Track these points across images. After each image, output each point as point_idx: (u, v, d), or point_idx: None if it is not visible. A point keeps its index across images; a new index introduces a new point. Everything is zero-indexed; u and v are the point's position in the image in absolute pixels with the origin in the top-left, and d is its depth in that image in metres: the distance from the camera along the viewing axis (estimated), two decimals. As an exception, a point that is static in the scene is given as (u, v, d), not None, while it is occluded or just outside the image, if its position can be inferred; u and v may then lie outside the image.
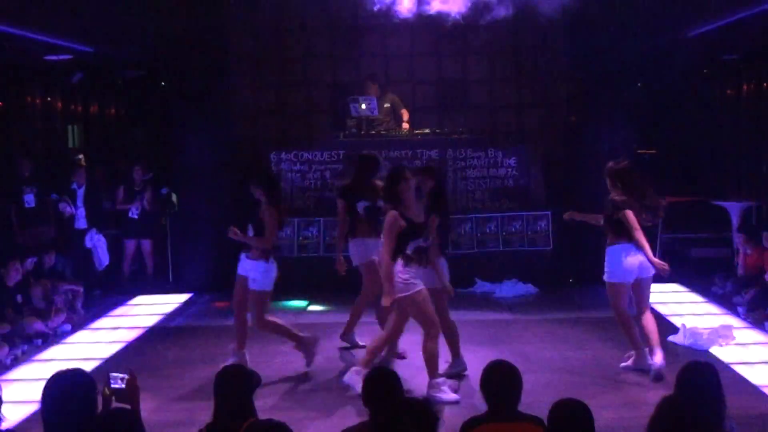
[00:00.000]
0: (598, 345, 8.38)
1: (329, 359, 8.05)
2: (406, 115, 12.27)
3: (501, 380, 4.09)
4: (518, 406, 4.11)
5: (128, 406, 3.91)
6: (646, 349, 7.33)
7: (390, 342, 7.31)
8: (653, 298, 9.92)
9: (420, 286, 6.70)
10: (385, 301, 6.65)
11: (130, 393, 3.93)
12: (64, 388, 3.58)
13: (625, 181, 7.37)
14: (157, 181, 12.08)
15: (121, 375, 3.96)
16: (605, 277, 7.44)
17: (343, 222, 8.25)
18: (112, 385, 3.90)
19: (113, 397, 3.90)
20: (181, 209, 12.02)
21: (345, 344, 8.40)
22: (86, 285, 10.77)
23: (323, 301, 10.62)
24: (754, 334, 8.80)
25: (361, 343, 8.24)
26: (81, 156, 13.08)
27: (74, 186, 11.52)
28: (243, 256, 7.66)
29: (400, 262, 6.62)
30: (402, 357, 7.97)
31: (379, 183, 7.89)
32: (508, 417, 4.01)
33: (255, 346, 8.49)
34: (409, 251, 6.64)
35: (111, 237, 11.79)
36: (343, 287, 10.59)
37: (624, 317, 7.42)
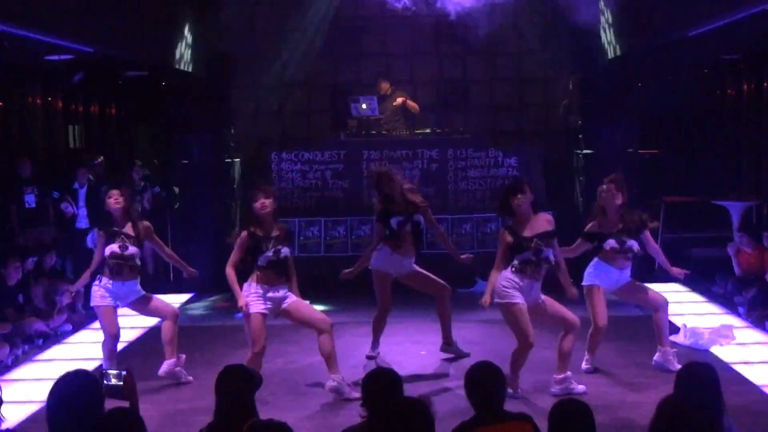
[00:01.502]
0: (599, 345, 8.37)
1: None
2: (413, 105, 12.27)
3: (486, 382, 4.07)
4: (503, 405, 4.10)
5: (126, 405, 3.91)
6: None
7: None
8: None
9: (516, 299, 6.82)
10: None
11: (128, 391, 3.93)
12: (71, 391, 3.57)
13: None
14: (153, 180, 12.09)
15: (116, 372, 3.95)
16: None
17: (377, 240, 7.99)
18: (107, 383, 3.89)
19: (107, 395, 3.89)
20: (181, 209, 12.03)
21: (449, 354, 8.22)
22: (87, 285, 10.76)
23: (324, 301, 10.60)
24: (754, 334, 8.80)
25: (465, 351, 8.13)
26: (101, 158, 13.06)
27: (76, 185, 11.52)
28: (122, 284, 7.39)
29: (509, 268, 6.83)
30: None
31: (412, 197, 7.81)
32: (497, 418, 4.00)
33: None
34: (516, 262, 6.81)
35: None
36: (345, 287, 10.60)
37: None
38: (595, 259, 7.47)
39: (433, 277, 8.01)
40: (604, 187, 7.36)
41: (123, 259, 7.31)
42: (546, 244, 6.82)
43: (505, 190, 7.06)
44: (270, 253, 6.85)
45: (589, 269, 7.48)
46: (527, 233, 6.82)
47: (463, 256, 7.95)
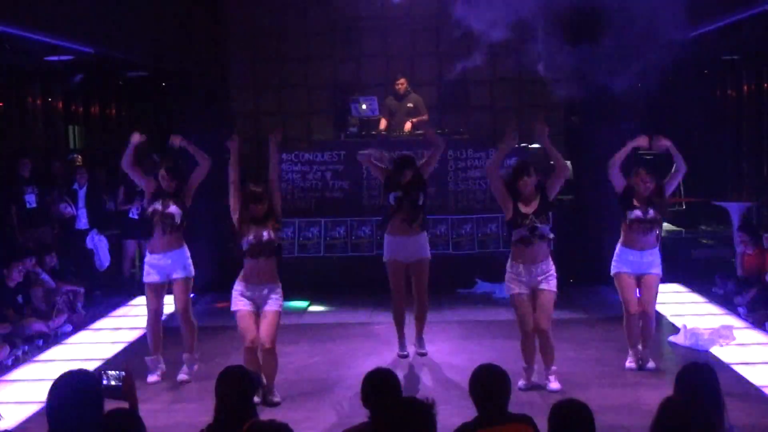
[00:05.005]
0: (599, 345, 8.38)
1: (330, 360, 8.05)
2: (423, 117, 12.22)
3: (489, 385, 4.08)
4: (507, 407, 4.10)
5: (125, 405, 3.91)
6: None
7: None
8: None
9: (515, 289, 7.02)
10: None
11: (127, 391, 3.92)
12: (71, 390, 3.57)
13: None
14: None
15: (116, 373, 3.95)
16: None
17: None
18: (106, 383, 3.88)
19: (106, 395, 3.88)
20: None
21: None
22: (87, 286, 10.78)
23: (324, 301, 10.62)
24: (754, 335, 8.80)
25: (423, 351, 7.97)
26: (77, 156, 13.08)
27: (75, 186, 11.53)
28: (159, 256, 7.45)
29: (509, 258, 7.09)
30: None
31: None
32: (499, 420, 4.01)
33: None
34: (513, 239, 7.00)
35: (112, 237, 11.80)
36: (344, 287, 10.61)
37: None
38: (618, 245, 7.54)
39: (424, 286, 7.88)
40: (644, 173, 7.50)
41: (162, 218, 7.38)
42: (542, 221, 6.96)
43: (512, 172, 7.12)
44: (251, 237, 6.75)
45: (614, 258, 7.57)
46: (526, 209, 6.96)
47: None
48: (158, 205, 7.39)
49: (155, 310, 7.59)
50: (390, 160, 8.03)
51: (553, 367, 7.13)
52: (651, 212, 7.40)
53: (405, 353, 7.96)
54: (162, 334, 7.71)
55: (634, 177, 7.51)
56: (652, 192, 7.43)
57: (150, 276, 7.52)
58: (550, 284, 7.06)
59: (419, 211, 7.73)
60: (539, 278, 7.02)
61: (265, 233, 6.72)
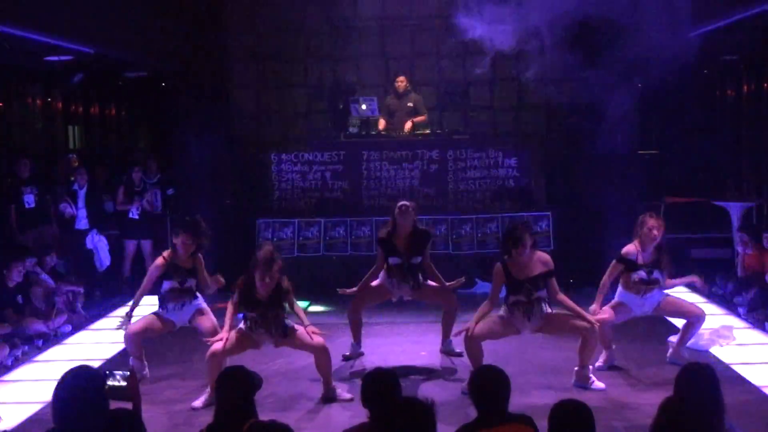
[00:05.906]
0: (599, 346, 8.36)
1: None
2: (421, 118, 12.21)
3: (489, 385, 4.09)
4: (507, 408, 4.10)
5: (128, 405, 3.92)
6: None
7: None
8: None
9: (499, 312, 7.02)
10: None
11: (131, 392, 3.93)
12: (79, 383, 3.58)
13: None
14: (165, 182, 12.08)
15: (121, 373, 3.96)
16: None
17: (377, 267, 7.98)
18: (110, 383, 3.89)
19: (110, 395, 3.89)
20: (181, 210, 12.02)
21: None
22: (86, 286, 10.77)
23: (324, 301, 10.61)
24: (754, 335, 8.80)
25: (457, 350, 7.91)
26: (73, 156, 13.10)
27: (75, 187, 11.53)
28: (173, 306, 7.50)
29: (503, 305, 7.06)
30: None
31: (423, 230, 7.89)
32: (499, 420, 4.01)
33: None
34: (510, 300, 6.96)
35: (112, 237, 11.79)
36: (344, 287, 10.59)
37: None
38: (619, 289, 7.56)
39: (441, 288, 7.88)
40: (653, 221, 7.39)
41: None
42: (539, 287, 6.89)
43: (508, 238, 6.97)
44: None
45: (617, 293, 7.62)
46: (520, 275, 6.88)
47: (449, 283, 7.88)
48: (175, 284, 7.45)
49: (136, 332, 7.43)
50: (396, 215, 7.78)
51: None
52: (655, 274, 7.43)
53: (348, 354, 7.96)
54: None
55: (640, 227, 7.44)
56: (657, 246, 7.40)
57: (162, 309, 7.52)
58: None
59: (416, 273, 7.76)
60: (530, 326, 7.04)
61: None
